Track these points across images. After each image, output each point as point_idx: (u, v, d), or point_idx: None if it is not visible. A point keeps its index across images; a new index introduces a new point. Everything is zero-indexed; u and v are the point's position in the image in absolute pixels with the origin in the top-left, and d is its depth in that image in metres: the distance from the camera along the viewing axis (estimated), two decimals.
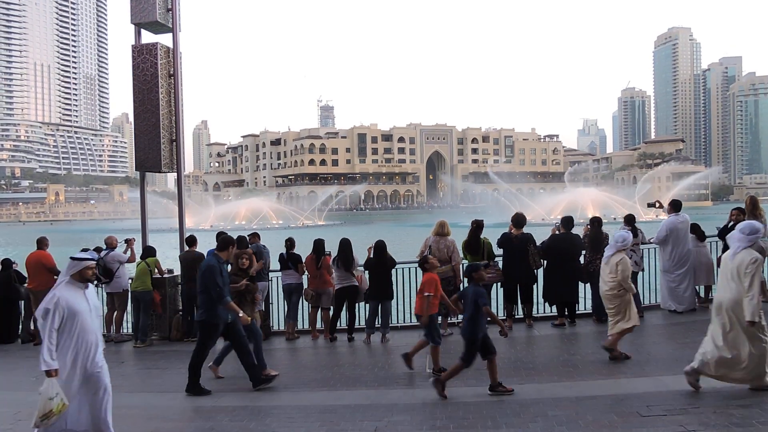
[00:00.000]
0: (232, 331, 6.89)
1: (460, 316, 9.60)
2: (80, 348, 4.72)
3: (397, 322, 10.28)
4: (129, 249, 10.74)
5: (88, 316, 4.82)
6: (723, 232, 9.23)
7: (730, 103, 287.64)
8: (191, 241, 10.18)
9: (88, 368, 4.75)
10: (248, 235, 10.10)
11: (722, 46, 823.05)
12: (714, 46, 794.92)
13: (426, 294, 6.81)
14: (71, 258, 4.93)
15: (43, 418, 4.42)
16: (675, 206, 9.75)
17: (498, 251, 9.53)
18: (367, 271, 9.42)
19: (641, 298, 10.15)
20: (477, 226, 9.29)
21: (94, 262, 5.05)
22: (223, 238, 7.08)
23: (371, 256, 9.13)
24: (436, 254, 9.08)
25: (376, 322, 9.25)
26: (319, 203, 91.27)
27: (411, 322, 10.34)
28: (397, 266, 9.63)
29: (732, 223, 9.21)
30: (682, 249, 9.46)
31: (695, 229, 9.82)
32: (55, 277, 10.64)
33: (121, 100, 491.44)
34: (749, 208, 9.70)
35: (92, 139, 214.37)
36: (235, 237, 9.81)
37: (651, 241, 9.99)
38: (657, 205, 11.11)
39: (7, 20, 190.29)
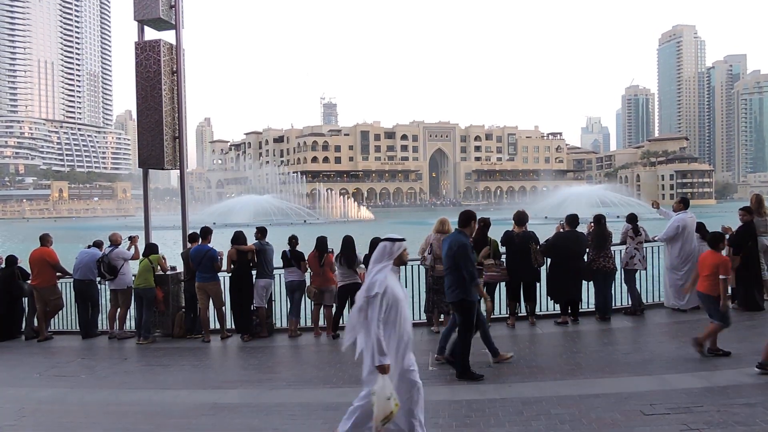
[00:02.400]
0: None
1: None
2: (401, 340, 4.27)
3: None
4: (132, 246, 10.77)
5: (406, 305, 4.38)
6: (735, 238, 9.20)
7: (734, 101, 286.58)
8: (193, 238, 10.20)
9: (404, 363, 4.32)
10: (256, 231, 10.09)
11: (727, 44, 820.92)
12: (718, 43, 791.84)
13: (722, 277, 6.75)
14: (389, 240, 4.41)
15: (384, 420, 3.96)
16: (684, 203, 9.74)
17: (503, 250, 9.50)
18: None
19: (644, 296, 10.13)
20: (484, 224, 9.27)
21: (404, 244, 4.49)
22: (465, 213, 6.86)
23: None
24: (437, 252, 9.07)
25: None
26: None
27: (413, 319, 10.33)
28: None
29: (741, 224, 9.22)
30: (689, 246, 9.44)
31: (700, 228, 9.79)
32: (58, 274, 10.70)
33: (125, 98, 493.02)
34: (755, 207, 9.67)
35: (95, 136, 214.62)
36: (235, 233, 9.92)
37: (655, 239, 9.95)
38: (654, 205, 11.11)
39: (11, 17, 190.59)
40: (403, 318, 4.29)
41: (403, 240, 4.43)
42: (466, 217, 6.84)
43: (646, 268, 9.89)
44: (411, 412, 4.31)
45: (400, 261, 4.38)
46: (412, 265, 10.17)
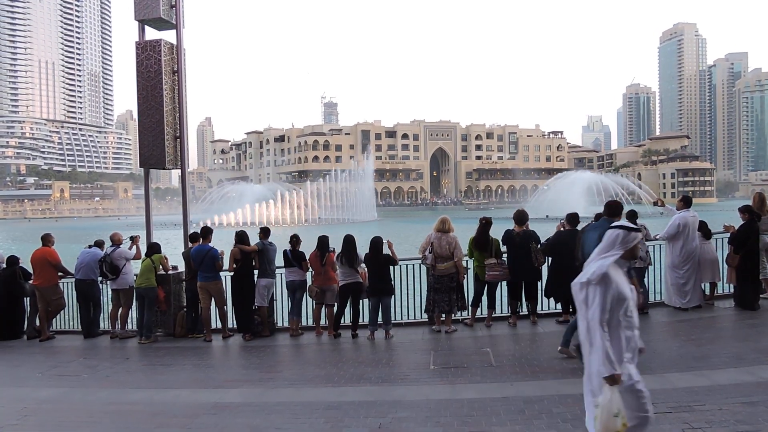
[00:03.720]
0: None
1: (465, 313, 9.66)
2: (628, 345, 3.65)
3: (401, 319, 10.28)
4: (134, 246, 10.78)
5: (634, 304, 3.73)
6: (738, 237, 9.18)
7: (735, 100, 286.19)
8: (194, 238, 10.20)
9: (633, 374, 3.67)
10: (260, 231, 10.11)
11: (728, 42, 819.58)
12: (720, 41, 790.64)
13: None
14: (623, 227, 3.80)
15: None
16: (686, 202, 9.73)
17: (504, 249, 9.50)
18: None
19: (648, 294, 10.12)
20: (486, 223, 9.28)
21: (641, 236, 3.90)
22: (614, 203, 6.48)
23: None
24: (438, 251, 9.08)
25: (379, 319, 9.25)
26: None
27: (415, 318, 10.34)
28: (400, 263, 9.63)
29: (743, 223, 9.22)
30: (690, 245, 9.44)
31: (702, 226, 9.78)
32: (60, 273, 10.71)
33: (126, 97, 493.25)
34: (757, 205, 9.66)
35: (96, 136, 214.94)
36: (236, 233, 9.93)
37: (657, 237, 9.94)
38: (659, 203, 11.09)
39: (12, 18, 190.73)
40: (629, 321, 3.67)
41: (639, 230, 3.83)
42: (616, 207, 6.39)
43: (650, 264, 9.83)
44: (642, 427, 3.72)
45: (632, 254, 3.78)
46: (414, 264, 10.18)
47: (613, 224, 3.85)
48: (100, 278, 10.54)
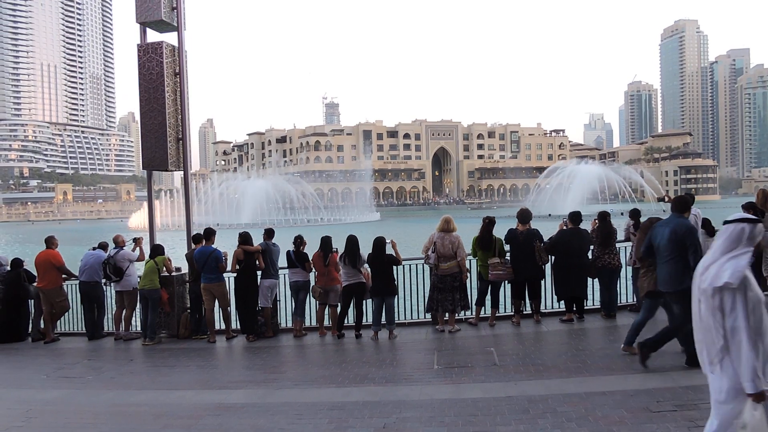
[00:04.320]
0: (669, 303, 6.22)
1: (468, 313, 9.66)
2: (765, 356, 3.25)
3: (405, 319, 10.27)
4: (137, 247, 10.81)
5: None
6: None
7: (738, 96, 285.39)
8: (197, 239, 10.22)
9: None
10: (264, 232, 10.13)
11: (730, 38, 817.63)
12: (721, 38, 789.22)
13: None
14: (745, 221, 3.35)
15: None
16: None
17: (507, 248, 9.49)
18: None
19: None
20: (489, 222, 9.28)
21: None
22: (683, 198, 6.27)
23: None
24: (441, 250, 9.08)
25: (382, 319, 9.25)
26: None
27: (418, 318, 10.34)
28: (403, 263, 9.62)
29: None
30: None
31: (706, 224, 9.74)
32: (64, 275, 10.74)
33: (128, 100, 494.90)
34: (761, 202, 9.62)
35: (99, 139, 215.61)
36: (238, 233, 9.94)
37: None
38: (666, 199, 11.07)
39: (14, 21, 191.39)
40: (766, 324, 3.25)
41: (760, 221, 3.40)
42: (685, 203, 6.24)
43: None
44: None
45: (758, 249, 3.60)
46: (417, 264, 10.18)
47: (732, 218, 3.45)
48: (103, 280, 10.58)
